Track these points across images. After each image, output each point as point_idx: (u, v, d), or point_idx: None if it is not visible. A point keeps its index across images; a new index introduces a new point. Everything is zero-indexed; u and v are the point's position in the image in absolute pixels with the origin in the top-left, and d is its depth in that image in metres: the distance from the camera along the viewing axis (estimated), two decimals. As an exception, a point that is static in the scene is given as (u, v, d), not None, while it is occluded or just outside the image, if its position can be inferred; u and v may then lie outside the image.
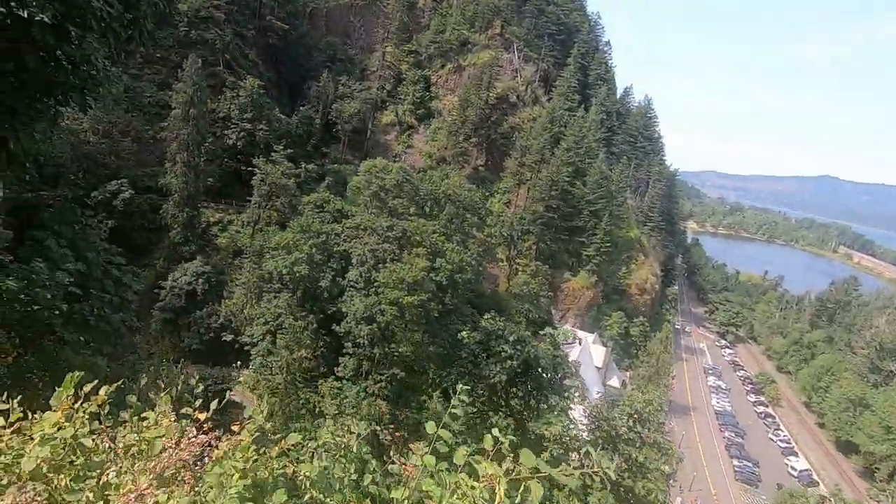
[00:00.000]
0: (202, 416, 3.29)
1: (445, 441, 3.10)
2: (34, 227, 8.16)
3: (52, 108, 7.51)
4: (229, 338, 45.34)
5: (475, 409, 17.87)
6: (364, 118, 69.16)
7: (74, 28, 6.29)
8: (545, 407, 15.46)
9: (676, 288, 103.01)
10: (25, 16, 5.92)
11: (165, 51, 52.97)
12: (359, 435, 4.20)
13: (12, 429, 2.75)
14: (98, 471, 2.59)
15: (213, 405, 3.24)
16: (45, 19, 5.80)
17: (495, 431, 3.05)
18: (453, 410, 3.53)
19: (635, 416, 13.14)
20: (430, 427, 3.35)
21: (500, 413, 17.19)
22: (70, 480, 2.46)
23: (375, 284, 42.27)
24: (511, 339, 14.60)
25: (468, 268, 50.04)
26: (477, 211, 57.95)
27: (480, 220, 60.40)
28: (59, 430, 2.54)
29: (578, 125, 69.39)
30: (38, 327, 7.56)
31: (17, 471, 2.52)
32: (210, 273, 45.37)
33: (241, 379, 43.46)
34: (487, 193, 65.38)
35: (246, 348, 43.18)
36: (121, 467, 2.66)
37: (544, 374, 14.32)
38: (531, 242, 62.69)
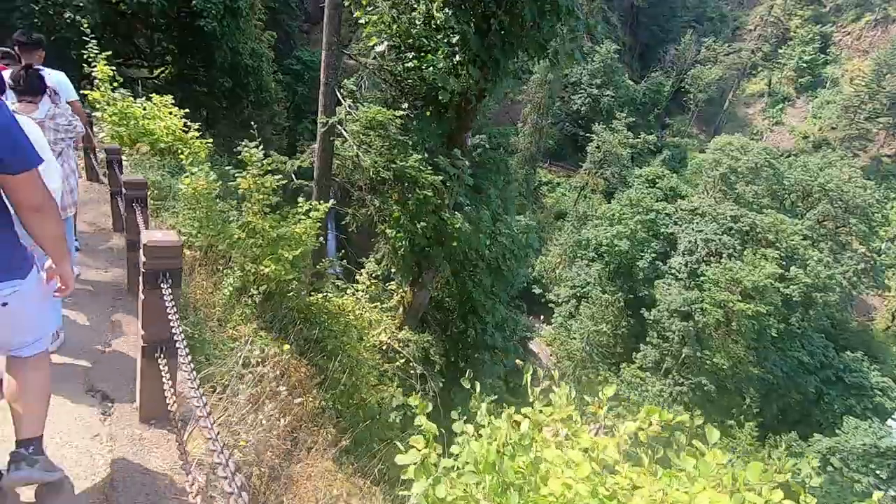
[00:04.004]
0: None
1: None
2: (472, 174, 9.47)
3: (520, 63, 7.77)
4: (538, 291, 48.20)
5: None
6: (724, 86, 59.63)
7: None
8: None
9: None
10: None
11: (537, 18, 57.10)
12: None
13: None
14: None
15: None
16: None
17: None
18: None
19: None
20: None
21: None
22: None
23: (702, 279, 37.60)
24: None
25: (836, 287, 38.72)
26: (866, 216, 43.63)
27: (869, 229, 45.37)
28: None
29: None
30: (465, 265, 8.50)
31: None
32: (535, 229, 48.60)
33: (542, 332, 46.13)
34: (893, 195, 47.96)
35: (550, 305, 45.34)
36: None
37: None
38: (952, 274, 43.58)
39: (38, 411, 2.04)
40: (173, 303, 1.84)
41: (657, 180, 47.16)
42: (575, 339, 39.42)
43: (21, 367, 2.02)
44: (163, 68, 16.14)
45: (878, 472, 30.22)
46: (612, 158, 51.42)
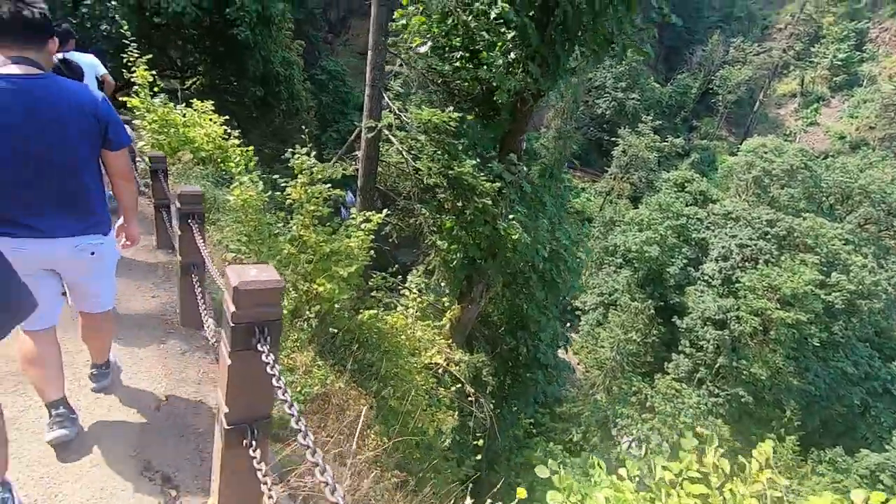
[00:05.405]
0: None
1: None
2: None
3: (575, 60, 7.19)
4: (564, 299, 47.14)
5: None
6: (754, 87, 58.00)
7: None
8: None
9: None
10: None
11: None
12: None
13: None
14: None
15: None
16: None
17: None
18: None
19: None
20: None
21: None
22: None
23: (737, 285, 36.62)
24: None
25: (881, 294, 37.10)
26: (912, 219, 41.88)
27: (915, 232, 43.50)
28: None
29: None
30: (518, 277, 7.91)
31: None
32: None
33: (571, 340, 45.14)
34: (939, 197, 45.75)
35: (577, 312, 44.39)
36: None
37: None
38: None
39: (106, 346, 2.80)
40: (276, 370, 1.29)
41: (686, 184, 46.16)
42: (604, 347, 38.62)
43: (93, 320, 2.63)
44: (194, 79, 16.04)
45: (934, 491, 28.44)
46: (638, 162, 50.52)
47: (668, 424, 30.74)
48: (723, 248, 39.28)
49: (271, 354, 1.30)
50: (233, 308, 1.37)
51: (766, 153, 44.14)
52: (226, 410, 1.44)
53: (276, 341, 1.38)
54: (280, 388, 1.21)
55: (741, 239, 38.82)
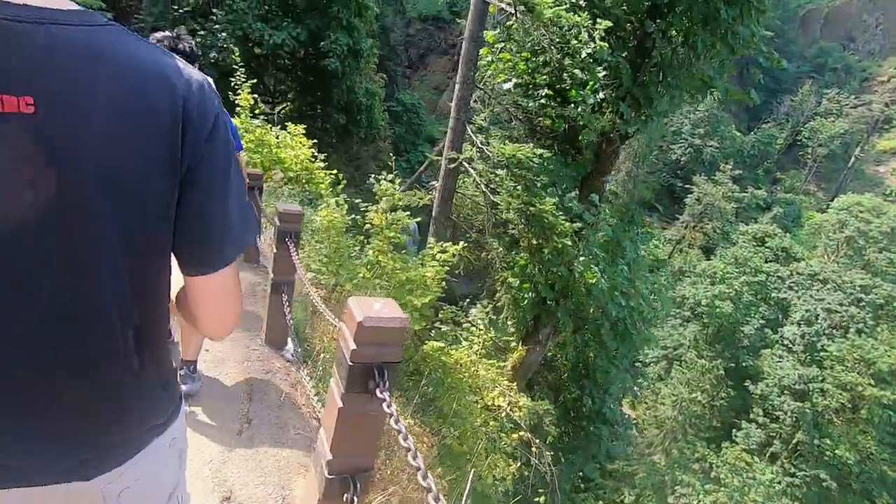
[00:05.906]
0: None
1: None
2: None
3: (669, 102, 6.90)
4: (622, 349, 44.92)
5: None
6: (849, 141, 54.13)
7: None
8: None
9: None
10: None
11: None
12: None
13: None
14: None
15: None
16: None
17: None
18: None
19: None
20: None
21: None
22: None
23: (822, 354, 33.34)
24: None
25: None
26: None
27: None
28: None
29: None
30: (589, 325, 7.49)
31: None
32: (623, 282, 46.15)
33: (638, 395, 42.98)
34: None
35: (636, 364, 42.00)
36: None
37: None
38: None
39: (197, 343, 2.74)
40: (402, 424, 1.14)
41: (767, 239, 43.29)
42: (664, 404, 36.15)
43: None
44: (284, 104, 17.21)
45: None
46: (713, 212, 48.12)
47: (734, 500, 27.88)
48: (807, 311, 36.16)
49: (389, 402, 1.15)
50: (353, 346, 1.24)
51: (861, 212, 40.76)
52: (328, 457, 1.30)
53: (393, 383, 1.24)
54: (409, 449, 1.05)
55: (829, 303, 35.63)
